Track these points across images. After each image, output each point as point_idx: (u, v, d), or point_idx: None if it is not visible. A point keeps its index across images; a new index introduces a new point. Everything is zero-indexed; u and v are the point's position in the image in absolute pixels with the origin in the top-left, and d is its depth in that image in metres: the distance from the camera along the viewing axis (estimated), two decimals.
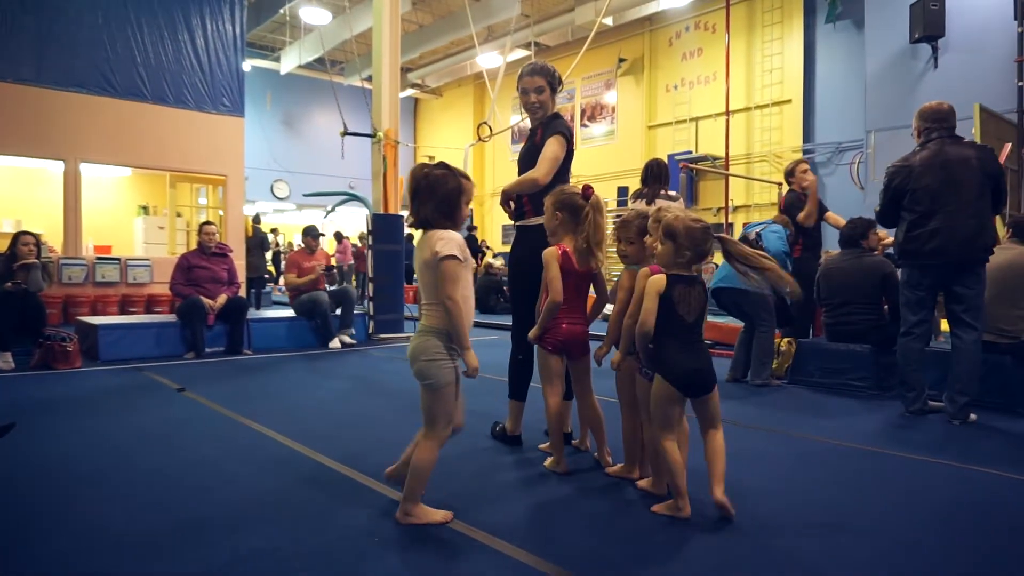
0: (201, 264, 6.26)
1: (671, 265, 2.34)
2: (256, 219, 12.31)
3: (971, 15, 9.78)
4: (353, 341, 6.94)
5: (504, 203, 3.25)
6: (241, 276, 9.87)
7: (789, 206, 5.31)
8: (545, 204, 2.87)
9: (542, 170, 3.08)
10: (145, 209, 11.42)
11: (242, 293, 9.78)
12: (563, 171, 3.19)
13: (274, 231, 18.44)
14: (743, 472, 2.77)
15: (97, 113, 9.14)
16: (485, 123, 8.04)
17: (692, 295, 2.33)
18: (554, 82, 3.25)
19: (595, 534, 2.23)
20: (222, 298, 6.16)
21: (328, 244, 15.36)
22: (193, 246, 7.98)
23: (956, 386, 3.71)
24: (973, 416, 3.73)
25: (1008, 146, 6.61)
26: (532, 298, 3.00)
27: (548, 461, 2.89)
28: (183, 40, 9.87)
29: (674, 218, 2.35)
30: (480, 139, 8.01)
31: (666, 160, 5.94)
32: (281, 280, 16.45)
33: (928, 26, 9.85)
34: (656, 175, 5.49)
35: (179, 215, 11.09)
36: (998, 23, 9.30)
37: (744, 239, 4.87)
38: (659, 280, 2.31)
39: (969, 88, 9.50)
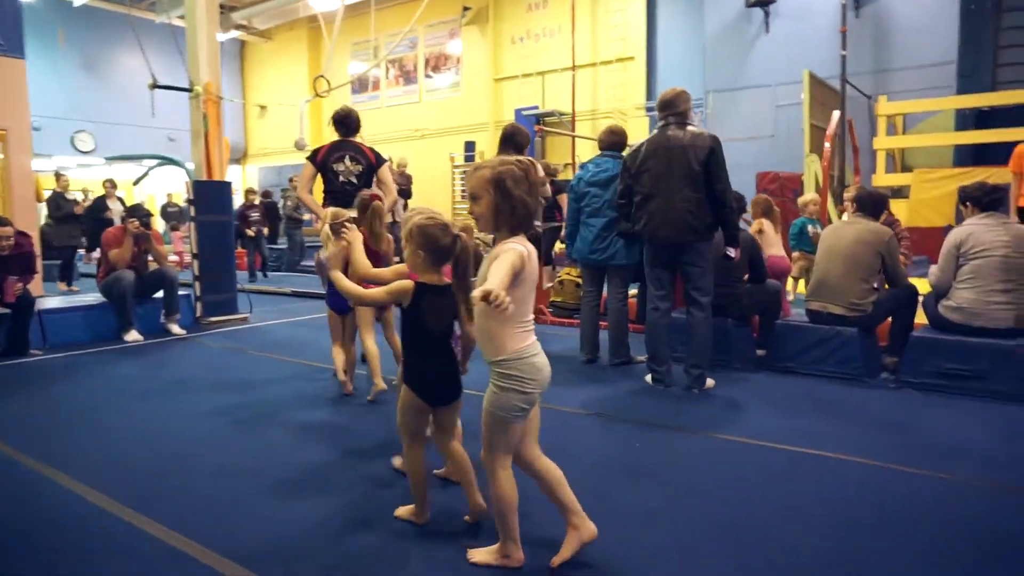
0: None
1: (418, 269, 2.22)
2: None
3: None
4: (182, 331, 6.05)
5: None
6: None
7: None
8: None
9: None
10: None
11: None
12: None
13: (84, 192, 15.95)
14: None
15: None
16: (322, 76, 7.27)
17: (443, 306, 2.20)
18: None
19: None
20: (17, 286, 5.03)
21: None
22: None
23: (691, 359, 3.99)
24: (710, 382, 4.01)
25: (837, 114, 6.94)
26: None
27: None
28: None
29: (415, 219, 2.19)
30: (318, 94, 7.24)
31: (514, 119, 5.51)
32: (95, 253, 14.42)
33: None
34: (506, 140, 5.15)
35: None
36: None
37: (608, 201, 4.64)
38: (405, 288, 2.20)
39: (797, 54, 10.02)
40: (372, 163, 4.61)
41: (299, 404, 3.88)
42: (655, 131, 4.00)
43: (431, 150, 16.18)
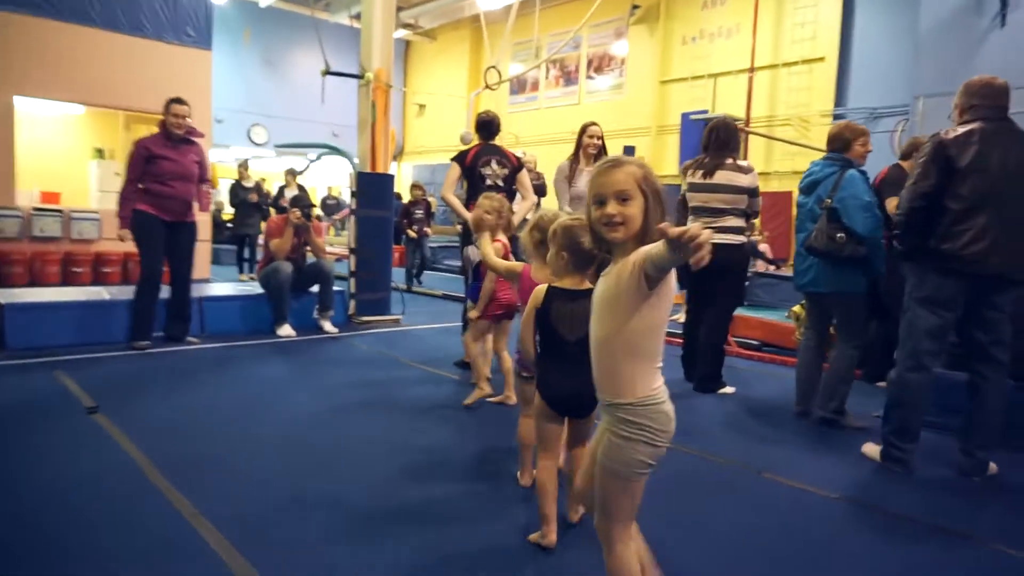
0: (166, 155, 4.83)
1: (559, 271, 2.15)
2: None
3: None
4: (334, 329, 5.77)
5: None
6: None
7: (891, 185, 4.19)
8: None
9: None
10: (101, 153, 10.06)
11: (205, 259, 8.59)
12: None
13: (257, 182, 16.71)
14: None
15: (33, 37, 7.69)
16: (493, 67, 6.81)
17: (576, 311, 2.06)
18: None
19: None
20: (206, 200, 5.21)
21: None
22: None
23: (976, 438, 3.04)
24: (993, 466, 3.06)
25: None
26: None
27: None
28: None
29: (561, 220, 2.16)
30: (488, 86, 6.79)
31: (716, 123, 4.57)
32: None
33: None
34: (723, 141, 4.32)
35: None
36: None
37: (810, 212, 3.73)
38: (537, 293, 2.17)
39: None
40: (515, 166, 4.71)
41: (443, 425, 3.32)
42: (978, 123, 2.95)
43: None
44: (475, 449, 3.13)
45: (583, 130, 4.76)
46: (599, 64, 16.31)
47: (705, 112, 13.40)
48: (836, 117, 12.05)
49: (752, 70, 12.12)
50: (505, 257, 3.82)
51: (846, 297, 3.64)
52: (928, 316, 3.01)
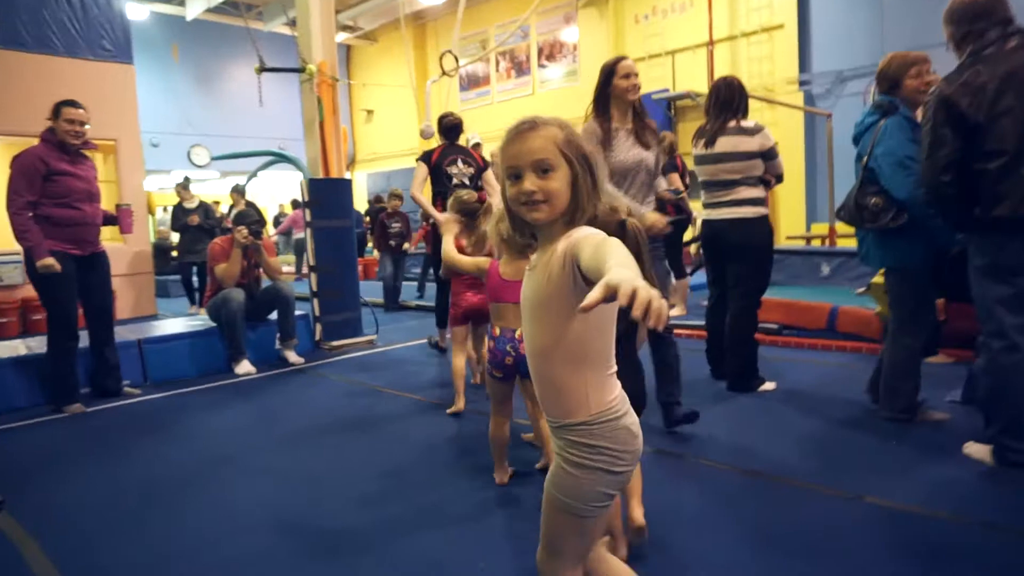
0: (67, 170, 3.92)
1: None
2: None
3: None
4: (300, 359, 5.04)
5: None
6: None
7: None
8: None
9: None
10: None
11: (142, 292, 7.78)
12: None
13: (215, 205, 15.30)
14: None
15: None
16: (449, 52, 6.16)
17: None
18: None
19: None
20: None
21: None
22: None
23: None
24: None
25: None
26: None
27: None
28: None
29: None
30: (445, 73, 6.13)
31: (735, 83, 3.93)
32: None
33: None
34: (724, 102, 3.74)
35: None
36: None
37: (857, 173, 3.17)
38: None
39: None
40: (480, 166, 4.83)
41: (442, 465, 2.67)
42: (974, 58, 2.46)
43: None
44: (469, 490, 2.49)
45: (611, 70, 3.02)
46: (550, 52, 15.73)
47: (667, 91, 12.96)
48: (802, 84, 11.72)
49: (711, 43, 11.71)
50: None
51: (896, 273, 3.08)
52: (995, 286, 2.48)
